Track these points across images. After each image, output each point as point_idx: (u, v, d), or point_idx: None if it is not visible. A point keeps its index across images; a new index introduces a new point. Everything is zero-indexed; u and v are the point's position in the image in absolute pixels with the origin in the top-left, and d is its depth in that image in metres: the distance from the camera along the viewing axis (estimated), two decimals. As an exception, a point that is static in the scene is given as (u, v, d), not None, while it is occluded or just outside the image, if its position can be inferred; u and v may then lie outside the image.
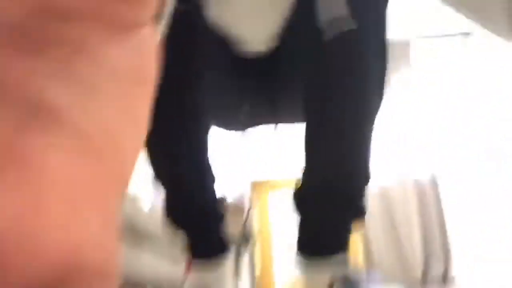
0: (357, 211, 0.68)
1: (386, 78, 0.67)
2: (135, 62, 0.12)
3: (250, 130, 0.96)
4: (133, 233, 1.28)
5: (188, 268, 0.73)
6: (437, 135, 3.13)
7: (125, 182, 0.11)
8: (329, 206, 0.64)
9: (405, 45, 3.31)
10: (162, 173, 0.74)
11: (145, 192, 3.02)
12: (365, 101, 0.64)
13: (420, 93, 3.23)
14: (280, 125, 0.88)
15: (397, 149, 3.12)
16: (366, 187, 0.67)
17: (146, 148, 0.72)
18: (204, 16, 0.71)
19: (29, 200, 0.08)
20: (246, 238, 2.61)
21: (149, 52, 0.12)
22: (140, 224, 1.35)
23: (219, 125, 0.89)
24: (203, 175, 0.74)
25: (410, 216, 3.00)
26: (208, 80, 0.72)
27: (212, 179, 0.76)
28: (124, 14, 0.11)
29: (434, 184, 3.07)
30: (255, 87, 0.83)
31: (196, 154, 0.73)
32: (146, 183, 3.15)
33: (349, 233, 0.67)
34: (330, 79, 0.63)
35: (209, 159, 0.75)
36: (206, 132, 0.74)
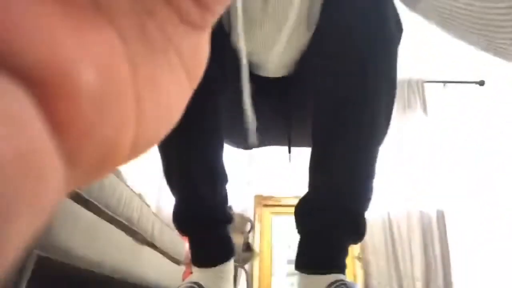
0: (355, 233, 0.69)
1: (392, 111, 0.69)
2: (192, 56, 0.12)
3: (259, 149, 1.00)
4: (137, 231, 1.30)
5: (189, 269, 0.74)
6: (446, 171, 3.12)
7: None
8: (328, 224, 0.66)
9: (421, 84, 3.35)
10: (175, 173, 0.76)
11: (151, 191, 3.06)
12: (371, 129, 0.66)
13: (433, 131, 3.24)
14: (292, 149, 0.91)
15: (406, 182, 3.12)
16: (366, 209, 0.69)
17: (160, 149, 0.75)
18: (230, 41, 0.75)
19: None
20: (248, 249, 2.61)
21: (203, 55, 0.13)
22: (144, 223, 1.37)
23: (230, 142, 0.92)
24: (216, 176, 0.76)
25: (413, 247, 2.97)
26: (227, 97, 0.75)
27: (224, 181, 0.78)
28: (192, 13, 0.11)
29: (441, 217, 3.04)
30: (269, 108, 0.86)
31: (211, 153, 0.75)
32: (153, 183, 3.15)
33: (346, 254, 0.68)
34: (339, 106, 0.66)
35: (223, 161, 0.77)
36: (221, 137, 0.76)
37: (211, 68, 0.65)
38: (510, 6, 0.53)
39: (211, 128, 0.74)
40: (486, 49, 0.60)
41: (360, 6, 0.65)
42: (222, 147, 0.77)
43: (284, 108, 0.86)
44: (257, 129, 0.85)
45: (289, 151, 0.90)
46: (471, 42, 0.62)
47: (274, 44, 0.75)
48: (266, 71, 0.81)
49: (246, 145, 0.98)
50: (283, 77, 0.82)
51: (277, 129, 0.89)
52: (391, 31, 0.66)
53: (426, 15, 0.65)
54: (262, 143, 0.95)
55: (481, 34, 0.58)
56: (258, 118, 0.85)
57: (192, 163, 0.73)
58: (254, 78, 0.81)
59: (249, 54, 0.78)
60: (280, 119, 0.88)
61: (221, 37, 0.72)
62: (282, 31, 0.73)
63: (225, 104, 0.76)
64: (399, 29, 0.69)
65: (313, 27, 0.73)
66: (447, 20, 0.61)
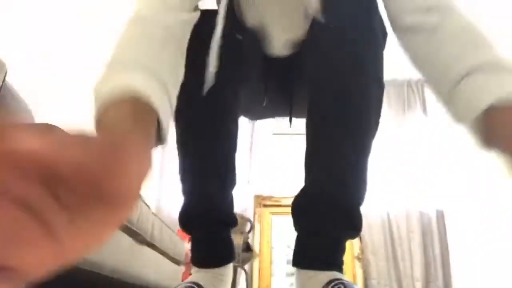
0: (352, 228, 0.69)
1: (381, 108, 0.71)
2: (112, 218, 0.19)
3: (264, 120, 1.09)
4: (136, 231, 1.30)
5: (188, 270, 0.75)
6: (445, 171, 3.13)
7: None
8: (324, 221, 0.67)
9: (420, 84, 3.35)
10: (188, 171, 0.77)
11: (151, 191, 3.06)
12: (364, 123, 0.68)
13: (433, 131, 3.25)
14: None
15: (405, 182, 3.12)
16: (361, 204, 0.69)
17: (178, 146, 0.76)
18: (243, 19, 0.80)
19: None
20: (247, 249, 2.62)
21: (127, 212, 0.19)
22: (144, 223, 1.37)
23: (242, 113, 0.95)
24: (225, 178, 0.77)
25: (413, 247, 2.97)
26: (242, 74, 0.78)
27: (233, 185, 0.79)
28: (102, 211, 0.17)
29: (441, 217, 3.04)
30: (275, 85, 0.91)
31: (225, 156, 0.77)
32: (153, 183, 3.17)
33: (343, 251, 0.69)
34: (333, 104, 0.68)
35: (235, 164, 0.79)
36: (236, 139, 0.78)
37: (226, 70, 0.68)
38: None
39: (228, 130, 0.76)
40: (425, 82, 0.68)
41: (348, 12, 0.68)
42: (235, 149, 0.78)
43: (287, 86, 0.91)
44: (265, 101, 0.92)
45: (290, 120, 0.96)
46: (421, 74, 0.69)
47: (278, 22, 0.80)
48: (272, 48, 0.84)
49: (256, 116, 1.06)
50: (288, 59, 0.85)
51: (281, 104, 0.94)
52: (377, 36, 0.69)
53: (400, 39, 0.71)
54: (266, 115, 1.02)
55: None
56: (266, 92, 0.91)
57: (205, 164, 0.75)
58: (263, 60, 0.85)
59: (255, 27, 0.81)
60: (284, 95, 0.93)
61: (233, 20, 0.75)
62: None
63: (242, 80, 0.80)
64: (384, 34, 0.72)
65: (310, 18, 0.75)
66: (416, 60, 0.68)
